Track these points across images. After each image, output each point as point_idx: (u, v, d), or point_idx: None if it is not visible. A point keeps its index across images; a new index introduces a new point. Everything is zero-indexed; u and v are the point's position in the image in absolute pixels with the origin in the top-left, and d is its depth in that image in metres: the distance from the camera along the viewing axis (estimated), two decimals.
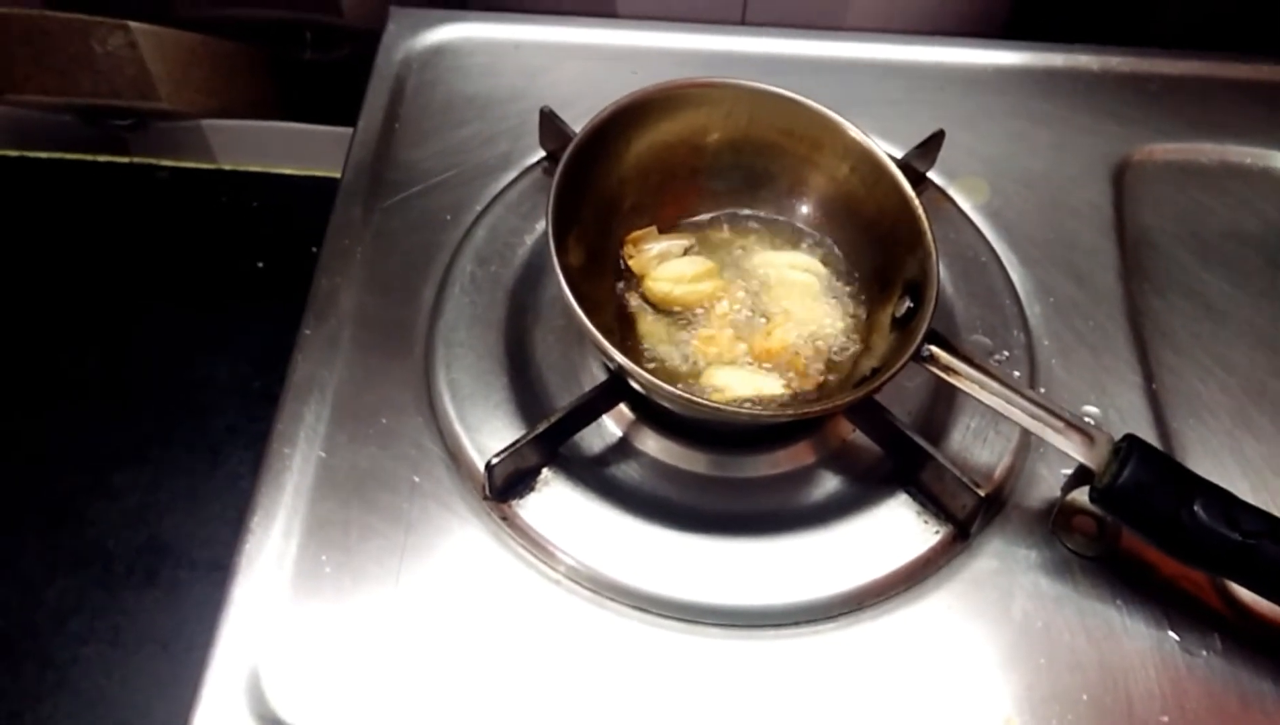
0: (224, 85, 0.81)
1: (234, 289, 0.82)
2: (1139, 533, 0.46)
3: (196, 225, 0.85)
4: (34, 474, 0.74)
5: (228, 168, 0.87)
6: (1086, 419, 0.53)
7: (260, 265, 0.83)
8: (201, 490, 0.73)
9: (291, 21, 0.80)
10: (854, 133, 0.52)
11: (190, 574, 0.70)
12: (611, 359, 0.45)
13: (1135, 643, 0.47)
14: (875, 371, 0.48)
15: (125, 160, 0.87)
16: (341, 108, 0.68)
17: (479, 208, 0.60)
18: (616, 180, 0.53)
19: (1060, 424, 0.46)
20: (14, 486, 0.74)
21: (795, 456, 0.52)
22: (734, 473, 0.52)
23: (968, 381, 0.47)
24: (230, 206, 0.86)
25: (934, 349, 0.47)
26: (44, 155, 0.87)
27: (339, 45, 0.81)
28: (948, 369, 0.47)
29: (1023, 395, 0.47)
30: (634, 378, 0.46)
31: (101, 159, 0.87)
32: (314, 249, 0.59)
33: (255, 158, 0.86)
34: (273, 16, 0.79)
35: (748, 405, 0.50)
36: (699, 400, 0.46)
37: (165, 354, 0.80)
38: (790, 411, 0.49)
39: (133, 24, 0.75)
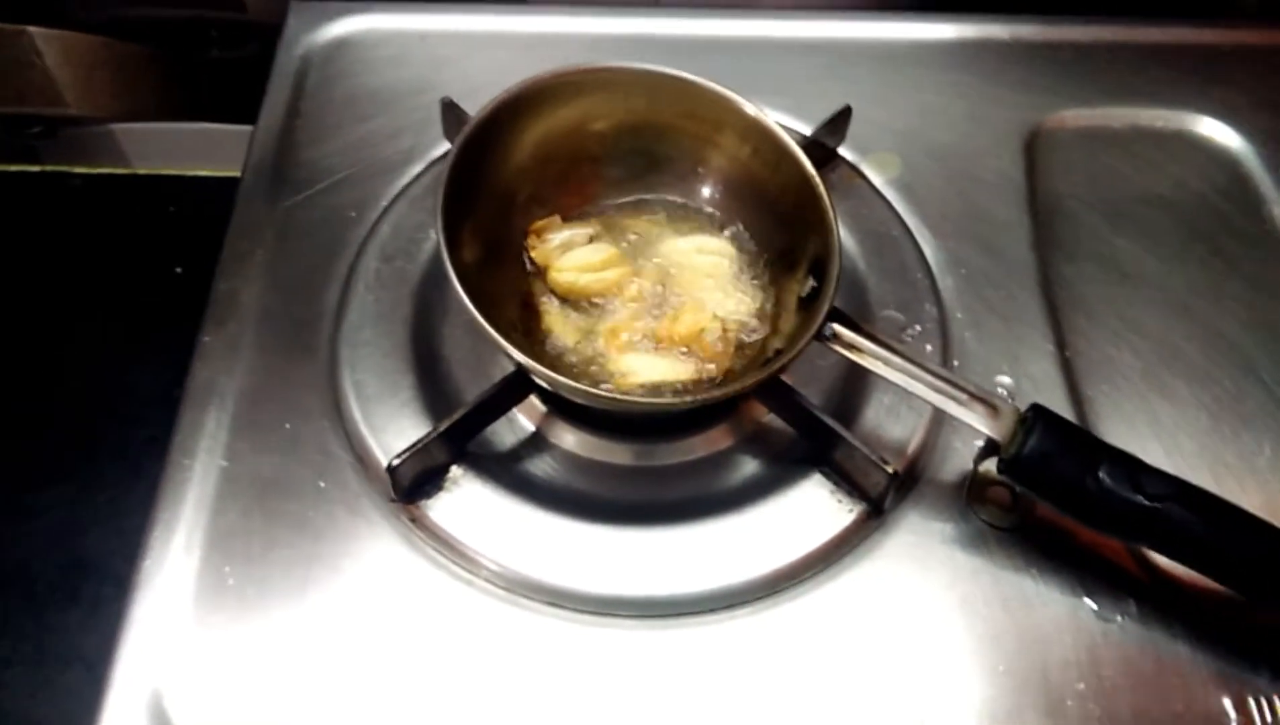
0: (131, 87, 0.79)
1: (153, 295, 0.81)
2: (1048, 501, 0.46)
3: (112, 232, 0.84)
4: None
5: (142, 172, 0.85)
6: (1000, 390, 0.53)
7: (179, 270, 0.82)
8: (123, 504, 0.72)
9: (195, 20, 0.78)
10: (753, 112, 0.52)
11: (114, 590, 0.68)
12: (509, 355, 0.44)
13: (1051, 611, 0.47)
14: (779, 352, 0.47)
15: (36, 169, 0.85)
16: (253, 106, 0.66)
17: (384, 204, 0.59)
18: (513, 170, 0.52)
19: (964, 397, 0.46)
20: None
21: (711, 442, 0.52)
22: (649, 461, 0.51)
23: (872, 358, 0.46)
24: (145, 212, 0.84)
25: (837, 327, 0.47)
26: None
27: (246, 42, 0.79)
28: (851, 347, 0.47)
29: (926, 369, 0.46)
30: (533, 373, 0.45)
31: (12, 168, 0.85)
32: None
33: (169, 160, 0.84)
34: (175, 15, 0.77)
35: (651, 393, 0.49)
36: (599, 392, 0.45)
37: (85, 364, 0.79)
38: (690, 397, 0.48)
39: (32, 29, 0.73)
